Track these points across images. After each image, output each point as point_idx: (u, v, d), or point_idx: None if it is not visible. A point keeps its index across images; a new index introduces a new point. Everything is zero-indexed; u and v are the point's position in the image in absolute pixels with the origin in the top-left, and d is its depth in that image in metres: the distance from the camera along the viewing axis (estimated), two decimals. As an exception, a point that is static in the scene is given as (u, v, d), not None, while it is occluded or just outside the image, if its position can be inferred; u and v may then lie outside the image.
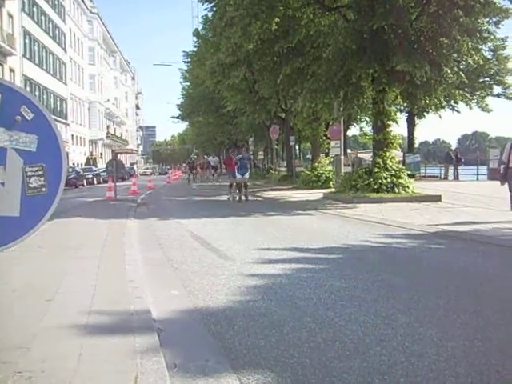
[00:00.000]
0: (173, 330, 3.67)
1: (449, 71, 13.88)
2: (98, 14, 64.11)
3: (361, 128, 37.79)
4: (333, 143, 18.91)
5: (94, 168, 40.03)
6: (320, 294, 4.44)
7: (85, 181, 33.10)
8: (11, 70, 35.69)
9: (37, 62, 41.05)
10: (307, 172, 22.23)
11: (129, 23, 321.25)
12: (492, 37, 19.38)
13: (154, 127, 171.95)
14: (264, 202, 16.27)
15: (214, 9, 19.86)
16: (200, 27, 33.11)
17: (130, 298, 4.21)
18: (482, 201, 12.69)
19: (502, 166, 8.99)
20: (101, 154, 60.59)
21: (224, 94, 26.38)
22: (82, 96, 55.91)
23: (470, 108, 26.96)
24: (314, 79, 15.10)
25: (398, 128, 42.92)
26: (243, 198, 15.66)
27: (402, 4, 13.82)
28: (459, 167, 26.82)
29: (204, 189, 24.22)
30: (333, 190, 17.36)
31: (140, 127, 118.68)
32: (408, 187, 14.19)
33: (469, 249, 6.90)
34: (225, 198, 16.83)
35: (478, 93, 27.50)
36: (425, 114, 27.97)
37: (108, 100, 66.33)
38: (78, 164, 44.64)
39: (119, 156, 46.20)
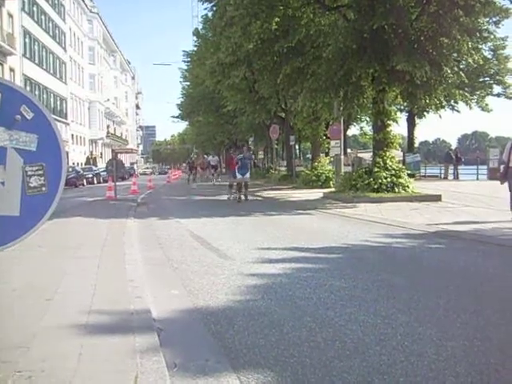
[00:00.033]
0: (173, 329, 3.67)
1: (449, 71, 13.88)
2: (97, 14, 64.10)
3: (361, 128, 37.88)
4: (333, 143, 18.92)
5: (93, 167, 40.06)
6: (320, 294, 4.44)
7: (85, 180, 33.11)
8: (11, 70, 35.70)
9: (37, 61, 41.04)
10: (307, 171, 22.24)
11: (129, 23, 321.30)
12: (492, 36, 19.45)
13: (154, 127, 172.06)
14: (264, 201, 16.27)
15: (214, 8, 19.87)
16: (200, 27, 33.15)
17: (130, 297, 4.20)
18: (482, 200, 12.69)
19: (502, 166, 9.00)
20: (101, 154, 60.59)
21: (224, 94, 26.38)
22: (82, 95, 55.90)
23: (470, 108, 26.98)
24: (314, 79, 15.10)
25: (398, 128, 43.02)
26: (242, 197, 15.65)
27: (402, 4, 13.82)
28: (459, 167, 26.83)
29: (204, 188, 24.22)
30: (333, 189, 17.37)
31: (140, 127, 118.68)
32: (408, 187, 14.19)
33: (469, 248, 6.90)
34: (225, 197, 16.84)
35: (477, 92, 27.51)
36: (425, 113, 27.96)
37: (108, 99, 66.32)
38: (77, 163, 44.66)
39: (119, 155, 46.12)
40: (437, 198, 13.04)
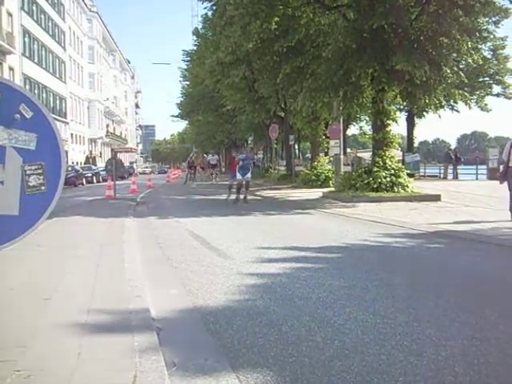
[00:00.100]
0: (172, 328, 3.67)
1: (448, 71, 13.88)
2: (97, 13, 64.05)
3: (360, 127, 37.82)
4: (332, 142, 18.91)
5: (93, 167, 40.03)
6: (319, 293, 4.44)
7: (84, 179, 33.08)
8: (10, 69, 35.67)
9: (36, 60, 41.01)
10: (306, 171, 22.24)
11: (128, 22, 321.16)
12: (491, 36, 19.46)
13: (154, 126, 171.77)
14: (263, 200, 16.27)
15: (214, 8, 19.90)
16: (200, 26, 33.17)
17: (129, 296, 4.20)
18: (481, 200, 12.69)
19: (502, 165, 9.01)
20: (100, 153, 60.57)
21: (223, 93, 26.39)
22: (82, 95, 55.86)
23: (470, 108, 26.91)
24: (314, 78, 15.10)
25: (398, 127, 43.06)
26: (241, 197, 15.54)
27: (401, 3, 13.83)
28: (458, 167, 26.84)
29: (203, 188, 24.21)
30: (332, 189, 17.37)
31: (139, 126, 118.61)
32: (407, 186, 14.20)
33: (468, 248, 6.90)
34: (224, 196, 16.80)
35: (477, 92, 27.51)
36: (424, 113, 27.97)
37: (107, 99, 66.28)
38: (77, 163, 44.66)
39: (118, 155, 46.06)
40: (436, 198, 13.05)
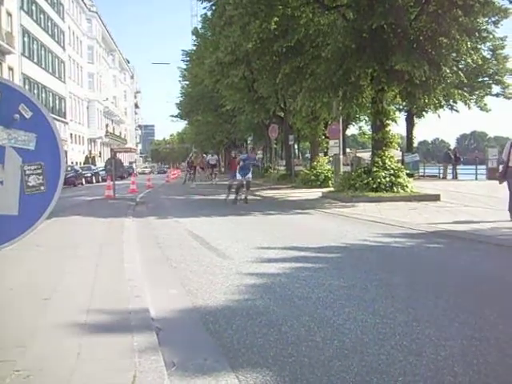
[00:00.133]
0: (171, 328, 3.67)
1: (448, 71, 13.89)
2: (96, 13, 64.05)
3: (360, 127, 37.79)
4: (332, 142, 18.91)
5: (92, 167, 40.05)
6: (319, 293, 4.44)
7: (83, 179, 33.09)
8: (10, 69, 35.66)
9: (36, 60, 40.99)
10: (306, 171, 22.24)
11: (128, 22, 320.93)
12: (491, 36, 19.44)
13: (153, 126, 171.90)
14: (263, 200, 16.27)
15: (214, 8, 19.88)
16: (199, 26, 33.17)
17: (129, 296, 4.20)
18: (480, 200, 12.70)
19: (501, 165, 9.01)
20: (99, 153, 60.56)
21: (223, 93, 26.38)
22: (81, 94, 55.86)
23: (469, 107, 26.86)
24: (313, 78, 15.10)
25: (397, 127, 43.05)
26: (241, 197, 15.51)
27: (401, 3, 13.83)
28: (458, 167, 26.85)
29: (203, 188, 24.20)
30: (331, 189, 17.36)
31: (139, 126, 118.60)
32: (407, 186, 14.20)
33: (467, 248, 6.90)
34: (224, 196, 16.79)
35: (476, 92, 27.52)
36: (424, 113, 27.99)
37: (107, 99, 66.27)
38: (76, 163, 44.67)
39: (118, 155, 46.02)
40: (435, 198, 13.05)
